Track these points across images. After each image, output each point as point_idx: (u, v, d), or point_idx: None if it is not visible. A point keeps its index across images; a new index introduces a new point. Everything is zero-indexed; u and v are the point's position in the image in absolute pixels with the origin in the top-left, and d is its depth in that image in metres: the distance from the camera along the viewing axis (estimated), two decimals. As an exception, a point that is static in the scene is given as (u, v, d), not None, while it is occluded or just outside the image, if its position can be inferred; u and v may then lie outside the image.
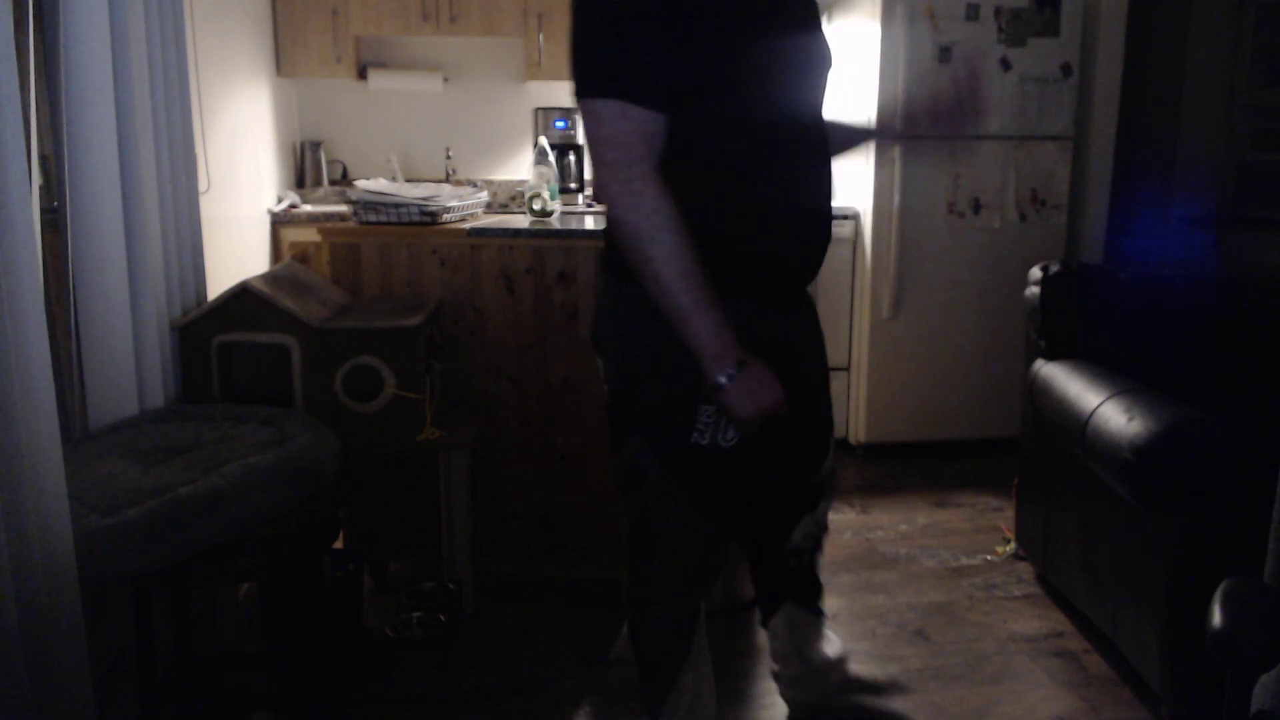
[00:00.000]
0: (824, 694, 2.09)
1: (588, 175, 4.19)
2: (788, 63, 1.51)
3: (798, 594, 2.02)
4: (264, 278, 2.28)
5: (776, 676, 2.09)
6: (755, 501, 1.86)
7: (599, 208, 4.00)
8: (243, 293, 2.20)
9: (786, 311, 1.65)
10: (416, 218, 2.52)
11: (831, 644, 2.09)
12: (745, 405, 1.41)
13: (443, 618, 2.25)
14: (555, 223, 2.66)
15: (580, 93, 1.39)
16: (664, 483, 1.59)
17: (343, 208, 3.64)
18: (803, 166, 1.56)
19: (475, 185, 4.16)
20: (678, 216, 1.36)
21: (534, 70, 3.97)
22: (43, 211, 1.82)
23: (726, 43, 1.41)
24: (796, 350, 1.70)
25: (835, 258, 3.70)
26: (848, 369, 3.84)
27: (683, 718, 1.73)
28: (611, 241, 1.54)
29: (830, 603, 2.63)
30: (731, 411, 1.42)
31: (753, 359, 1.42)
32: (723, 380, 1.39)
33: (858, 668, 2.27)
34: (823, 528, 1.98)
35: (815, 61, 1.58)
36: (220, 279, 2.58)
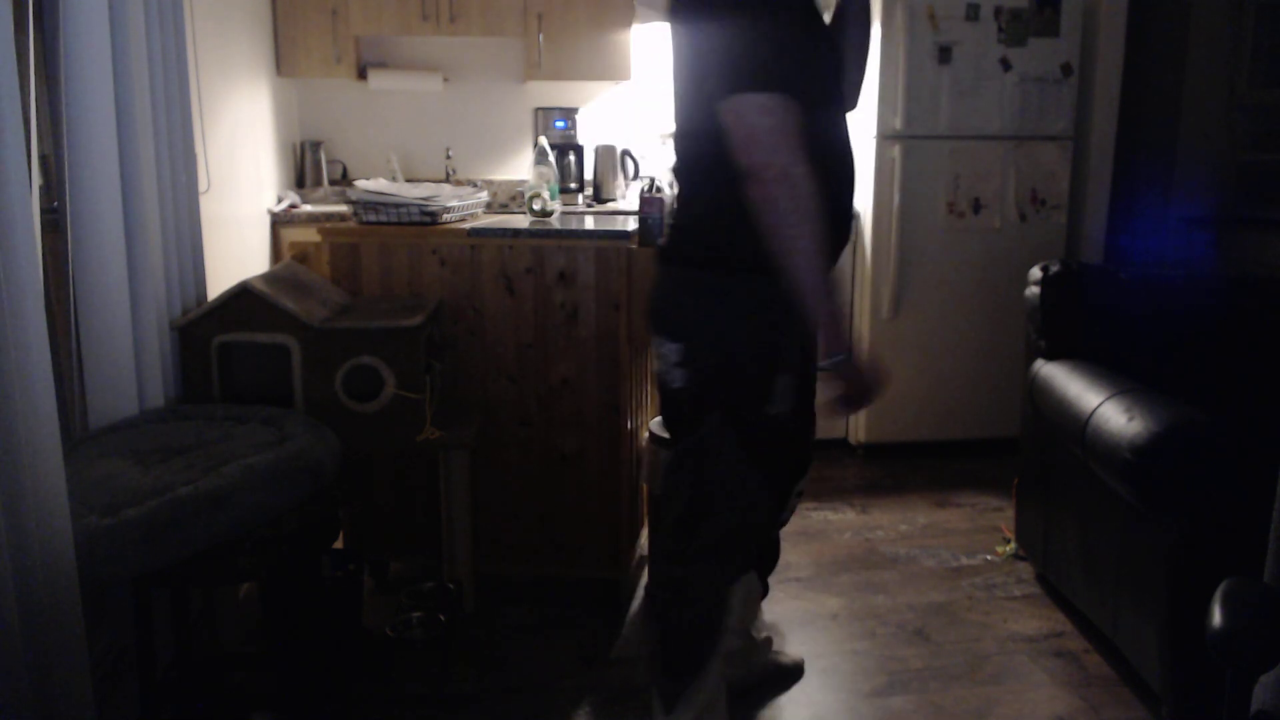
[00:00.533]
0: (750, 672, 2.17)
1: (588, 175, 4.19)
2: (842, 82, 1.78)
3: (762, 566, 2.14)
4: (264, 278, 2.28)
5: None
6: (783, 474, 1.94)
7: (599, 207, 4.00)
8: (243, 293, 2.20)
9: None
10: (416, 218, 2.52)
11: (762, 626, 2.20)
12: (861, 376, 1.59)
13: (443, 618, 2.25)
14: (555, 223, 2.66)
15: (739, 88, 1.52)
16: (737, 455, 1.69)
17: (343, 208, 3.64)
18: (850, 171, 1.74)
19: (475, 185, 4.16)
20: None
21: (534, 70, 3.97)
22: (43, 211, 1.82)
23: (829, 60, 1.69)
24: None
25: (835, 258, 3.69)
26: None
27: (700, 711, 1.74)
28: (711, 237, 1.68)
29: (830, 603, 2.64)
30: (853, 381, 1.59)
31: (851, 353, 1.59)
32: (844, 354, 1.57)
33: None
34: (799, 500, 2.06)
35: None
36: (220, 279, 2.58)
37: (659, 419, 2.70)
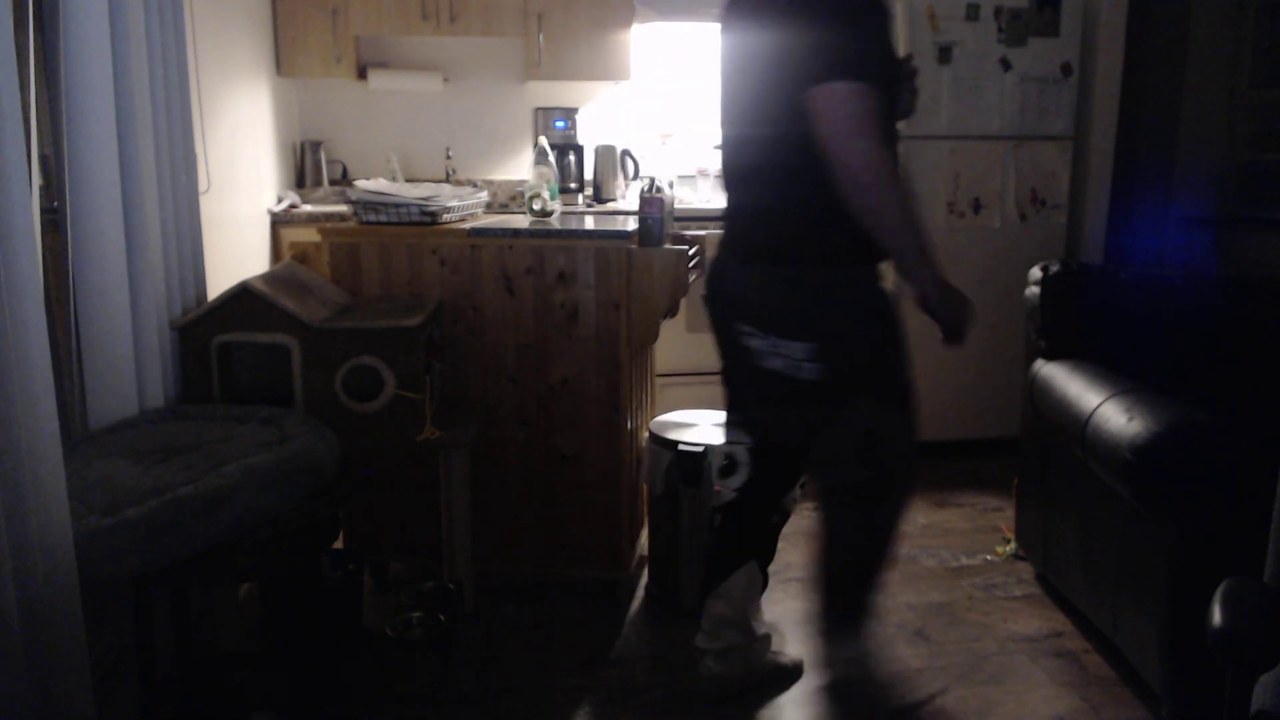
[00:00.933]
0: (750, 671, 2.18)
1: (588, 175, 4.19)
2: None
3: (763, 554, 2.21)
4: (264, 278, 2.28)
5: (702, 654, 2.15)
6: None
7: (599, 207, 4.00)
8: (243, 293, 2.20)
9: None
10: (416, 218, 2.52)
11: (762, 623, 2.25)
12: (956, 310, 1.80)
13: (443, 618, 2.25)
14: (555, 223, 2.66)
15: (824, 77, 1.66)
16: (901, 422, 1.93)
17: (343, 208, 3.64)
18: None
19: (475, 185, 4.16)
20: None
21: (534, 70, 3.97)
22: (43, 211, 1.82)
23: (891, 55, 1.81)
24: None
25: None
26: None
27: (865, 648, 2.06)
28: (811, 232, 1.82)
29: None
30: (948, 316, 1.80)
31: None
32: (937, 292, 1.77)
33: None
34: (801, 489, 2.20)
35: (724, 110, 1.92)
36: (220, 279, 2.58)
37: (659, 419, 2.71)
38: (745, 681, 2.18)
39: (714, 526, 2.25)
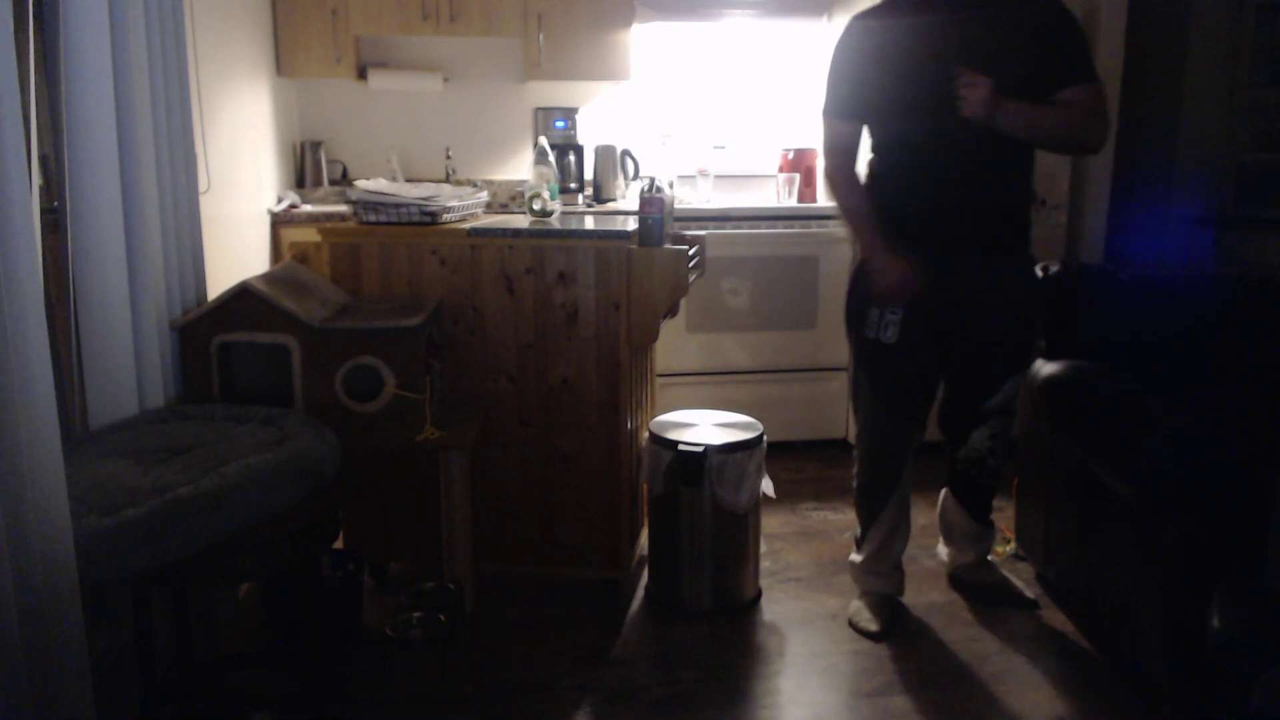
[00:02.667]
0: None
1: (588, 175, 4.19)
2: (921, 101, 2.21)
3: (970, 501, 2.62)
4: (264, 278, 2.28)
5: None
6: (940, 406, 2.57)
7: (599, 207, 4.00)
8: (243, 293, 2.20)
9: (947, 261, 2.28)
10: (416, 218, 2.52)
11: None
12: (879, 280, 2.27)
13: (443, 618, 2.25)
14: (555, 223, 2.66)
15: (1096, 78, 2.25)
16: (855, 371, 2.51)
17: (343, 208, 3.64)
18: (942, 165, 2.25)
19: (475, 185, 4.15)
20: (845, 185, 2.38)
21: (534, 70, 3.97)
22: (43, 211, 1.82)
23: (866, 79, 2.30)
24: (962, 291, 2.31)
25: (837, 258, 3.70)
26: (850, 369, 3.83)
27: (882, 538, 2.53)
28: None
29: (830, 603, 2.64)
30: (873, 286, 2.29)
31: (892, 256, 2.25)
32: (870, 266, 2.29)
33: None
34: (992, 452, 2.52)
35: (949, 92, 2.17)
36: (220, 279, 2.58)
37: (659, 419, 2.71)
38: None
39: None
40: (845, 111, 2.34)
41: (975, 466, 2.55)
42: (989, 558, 2.71)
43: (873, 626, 2.47)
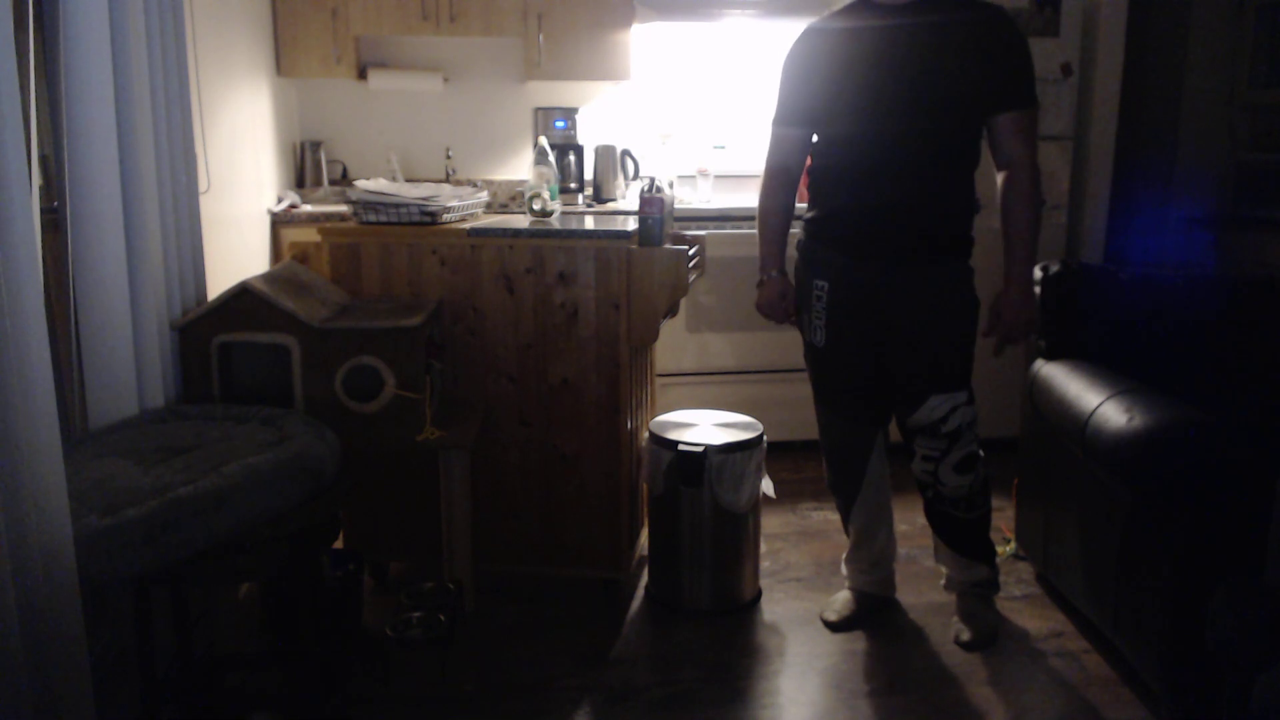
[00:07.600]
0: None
1: (588, 175, 4.19)
2: (857, 104, 2.20)
3: (934, 521, 2.51)
4: (264, 278, 2.28)
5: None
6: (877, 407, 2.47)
7: (599, 207, 4.00)
8: (243, 293, 2.20)
9: (868, 265, 2.26)
10: (416, 218, 2.52)
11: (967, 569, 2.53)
12: (758, 294, 2.43)
13: (443, 618, 2.24)
14: (555, 223, 2.66)
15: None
16: (808, 367, 2.49)
17: (343, 208, 3.64)
18: (871, 172, 2.22)
19: (475, 185, 4.16)
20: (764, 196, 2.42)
21: (534, 70, 3.96)
22: (43, 211, 1.82)
23: (814, 95, 2.28)
24: (881, 297, 2.26)
25: (835, 258, 3.69)
26: None
27: (856, 534, 2.55)
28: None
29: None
30: (757, 296, 2.43)
31: (774, 276, 2.40)
32: (759, 278, 2.42)
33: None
34: (939, 479, 2.41)
35: (894, 101, 2.16)
36: (220, 279, 2.58)
37: (659, 419, 2.71)
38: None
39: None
40: (786, 118, 2.34)
41: (942, 503, 2.44)
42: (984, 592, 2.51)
43: (830, 616, 2.52)
